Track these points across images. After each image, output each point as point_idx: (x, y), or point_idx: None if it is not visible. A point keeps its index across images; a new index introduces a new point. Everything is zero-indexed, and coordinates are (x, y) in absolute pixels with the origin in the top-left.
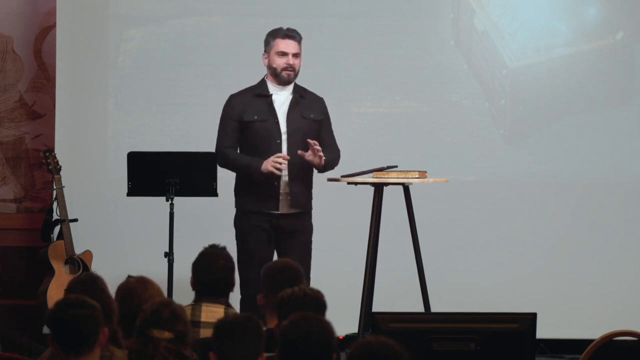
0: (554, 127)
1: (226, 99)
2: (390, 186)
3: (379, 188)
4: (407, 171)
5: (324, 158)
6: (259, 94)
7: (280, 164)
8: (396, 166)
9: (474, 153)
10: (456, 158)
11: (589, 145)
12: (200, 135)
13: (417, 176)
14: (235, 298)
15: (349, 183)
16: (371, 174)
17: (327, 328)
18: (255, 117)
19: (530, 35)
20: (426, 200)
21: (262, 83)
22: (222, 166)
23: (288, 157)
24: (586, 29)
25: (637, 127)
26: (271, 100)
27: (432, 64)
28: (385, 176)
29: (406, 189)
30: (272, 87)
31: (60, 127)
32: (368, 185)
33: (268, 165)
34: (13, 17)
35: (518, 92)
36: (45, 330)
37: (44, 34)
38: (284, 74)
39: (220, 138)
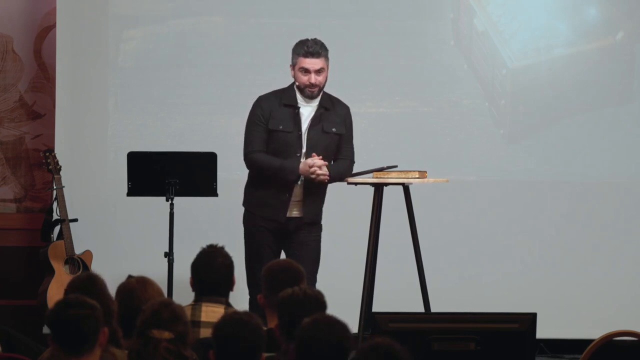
0: (554, 127)
1: (225, 98)
2: (390, 186)
3: (379, 188)
4: (407, 171)
5: (328, 174)
6: (286, 104)
7: (320, 167)
8: (396, 166)
9: (474, 153)
10: (456, 158)
11: (589, 145)
12: (200, 135)
13: (417, 176)
14: (237, 297)
15: (349, 183)
16: (371, 174)
17: (345, 330)
18: (281, 127)
19: (530, 35)
20: (426, 200)
21: (291, 92)
22: (251, 169)
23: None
24: (586, 29)
25: (636, 127)
26: (298, 112)
27: (432, 64)
28: (385, 176)
29: (406, 189)
30: (300, 99)
31: (60, 127)
32: (368, 186)
33: (308, 172)
34: (13, 17)
35: (518, 92)
36: (45, 330)
37: (44, 34)
38: (307, 91)
39: (249, 141)
